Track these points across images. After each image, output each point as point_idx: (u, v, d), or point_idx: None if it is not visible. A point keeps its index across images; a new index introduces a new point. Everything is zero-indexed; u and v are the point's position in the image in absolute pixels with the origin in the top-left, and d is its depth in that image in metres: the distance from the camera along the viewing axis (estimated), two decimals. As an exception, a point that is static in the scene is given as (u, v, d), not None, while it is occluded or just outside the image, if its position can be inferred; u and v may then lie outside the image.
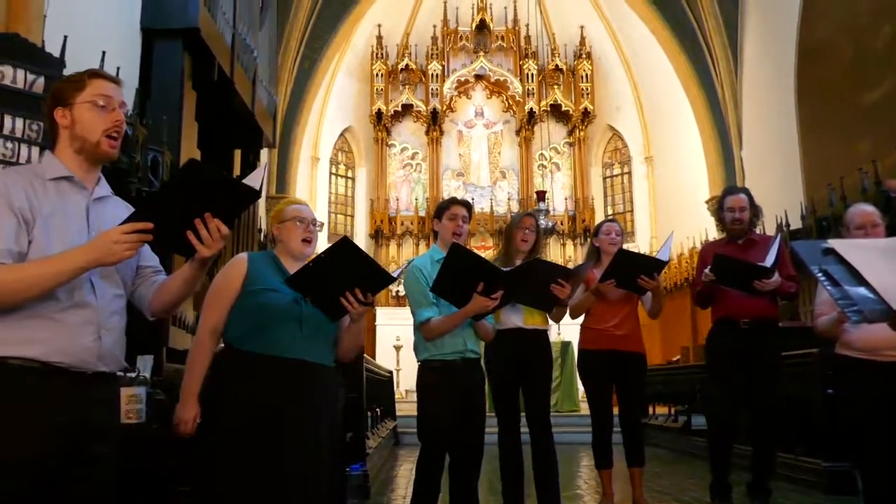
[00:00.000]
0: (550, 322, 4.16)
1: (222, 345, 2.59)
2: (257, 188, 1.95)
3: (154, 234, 1.82)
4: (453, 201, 3.62)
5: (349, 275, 2.43)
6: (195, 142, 7.29)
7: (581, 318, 4.49)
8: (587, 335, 4.46)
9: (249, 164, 9.41)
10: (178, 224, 1.87)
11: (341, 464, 4.27)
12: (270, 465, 2.35)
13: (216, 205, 1.89)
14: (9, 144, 4.00)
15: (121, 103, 2.00)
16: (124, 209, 2.07)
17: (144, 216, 1.82)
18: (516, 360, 4.00)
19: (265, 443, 2.36)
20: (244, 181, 1.97)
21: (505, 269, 3.37)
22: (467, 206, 3.61)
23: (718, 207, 4.56)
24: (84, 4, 5.50)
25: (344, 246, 2.40)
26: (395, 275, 2.58)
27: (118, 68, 5.39)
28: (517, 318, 3.99)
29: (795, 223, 9.81)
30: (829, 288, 1.94)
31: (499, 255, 4.32)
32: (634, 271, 4.12)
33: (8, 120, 4.00)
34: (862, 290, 1.84)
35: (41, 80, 4.15)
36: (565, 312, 4.14)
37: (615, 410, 4.46)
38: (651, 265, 4.17)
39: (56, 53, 4.42)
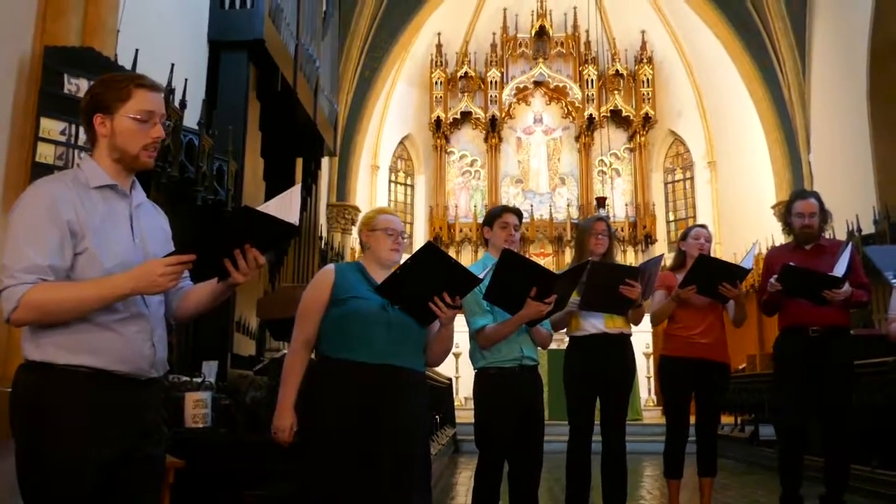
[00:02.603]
0: (632, 326, 4.06)
1: (314, 356, 2.66)
2: (295, 222, 1.99)
3: (195, 263, 1.86)
4: (505, 209, 3.61)
5: (436, 279, 2.45)
6: (259, 151, 7.45)
7: (638, 324, 4.36)
8: (671, 342, 4.34)
9: (311, 173, 9.57)
10: (219, 253, 1.91)
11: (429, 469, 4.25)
12: (366, 470, 2.39)
13: (256, 238, 1.93)
14: (82, 154, 4.16)
15: (161, 115, 1.99)
16: (156, 214, 2.13)
17: (189, 249, 1.86)
18: (598, 367, 3.92)
19: (361, 447, 2.40)
20: (275, 201, 2.01)
21: (556, 272, 3.34)
22: (518, 213, 3.60)
23: (786, 212, 4.42)
24: (155, 19, 5.70)
25: (429, 251, 2.43)
26: (480, 276, 2.58)
27: (186, 80, 5.58)
28: (599, 322, 3.93)
29: (867, 228, 9.47)
30: (906, 293, 1.87)
31: (572, 262, 4.24)
32: (715, 278, 4.00)
33: (83, 131, 4.16)
34: (942, 295, 1.76)
35: (114, 92, 4.30)
36: (644, 314, 4.03)
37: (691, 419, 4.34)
38: (733, 272, 4.04)
39: (128, 66, 4.58)
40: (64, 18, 4.20)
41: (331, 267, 2.67)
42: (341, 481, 2.37)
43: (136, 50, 4.76)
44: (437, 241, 16.30)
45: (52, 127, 4.07)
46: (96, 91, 1.97)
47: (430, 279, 2.44)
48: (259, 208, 1.97)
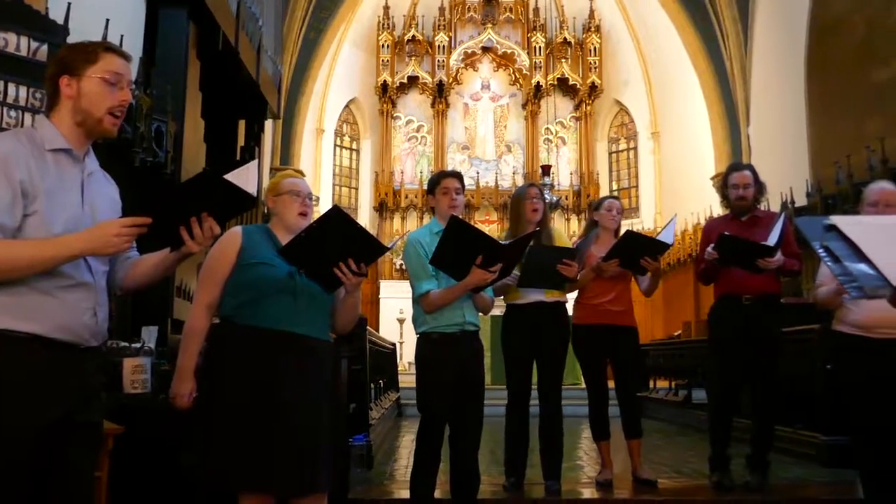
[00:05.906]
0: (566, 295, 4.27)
1: (217, 319, 2.60)
2: (254, 193, 1.99)
3: (150, 227, 1.85)
4: (443, 174, 3.60)
5: (342, 245, 2.40)
6: (199, 112, 7.27)
7: (574, 291, 4.52)
8: (583, 311, 4.50)
9: (254, 135, 9.38)
10: (175, 220, 1.89)
11: (344, 435, 4.32)
12: (266, 437, 2.37)
13: (214, 206, 1.92)
14: (12, 113, 4.00)
15: (129, 82, 1.99)
16: (107, 183, 2.10)
17: (145, 212, 1.84)
18: (534, 333, 4.09)
19: (262, 416, 2.37)
20: (232, 175, 2.00)
21: (503, 242, 3.37)
22: (458, 176, 3.59)
23: (723, 184, 4.54)
24: (88, -29, 5.46)
25: (335, 215, 2.36)
26: (390, 245, 2.57)
27: (122, 36, 5.37)
28: (538, 293, 4.07)
29: (801, 201, 9.77)
30: (829, 264, 1.94)
31: (507, 229, 4.33)
32: (638, 252, 4.19)
33: (11, 87, 4.00)
34: (862, 267, 1.84)
35: (45, 47, 4.14)
36: (577, 285, 4.23)
37: (610, 384, 4.51)
38: (655, 247, 4.22)
39: (60, 21, 4.40)
40: (-10, -32, 4.01)
41: (238, 230, 2.59)
42: (244, 451, 2.34)
43: (69, 3, 4.57)
44: (383, 206, 16.23)
45: (-22, 82, 3.90)
46: (63, 54, 1.97)
47: (336, 244, 2.39)
48: None
